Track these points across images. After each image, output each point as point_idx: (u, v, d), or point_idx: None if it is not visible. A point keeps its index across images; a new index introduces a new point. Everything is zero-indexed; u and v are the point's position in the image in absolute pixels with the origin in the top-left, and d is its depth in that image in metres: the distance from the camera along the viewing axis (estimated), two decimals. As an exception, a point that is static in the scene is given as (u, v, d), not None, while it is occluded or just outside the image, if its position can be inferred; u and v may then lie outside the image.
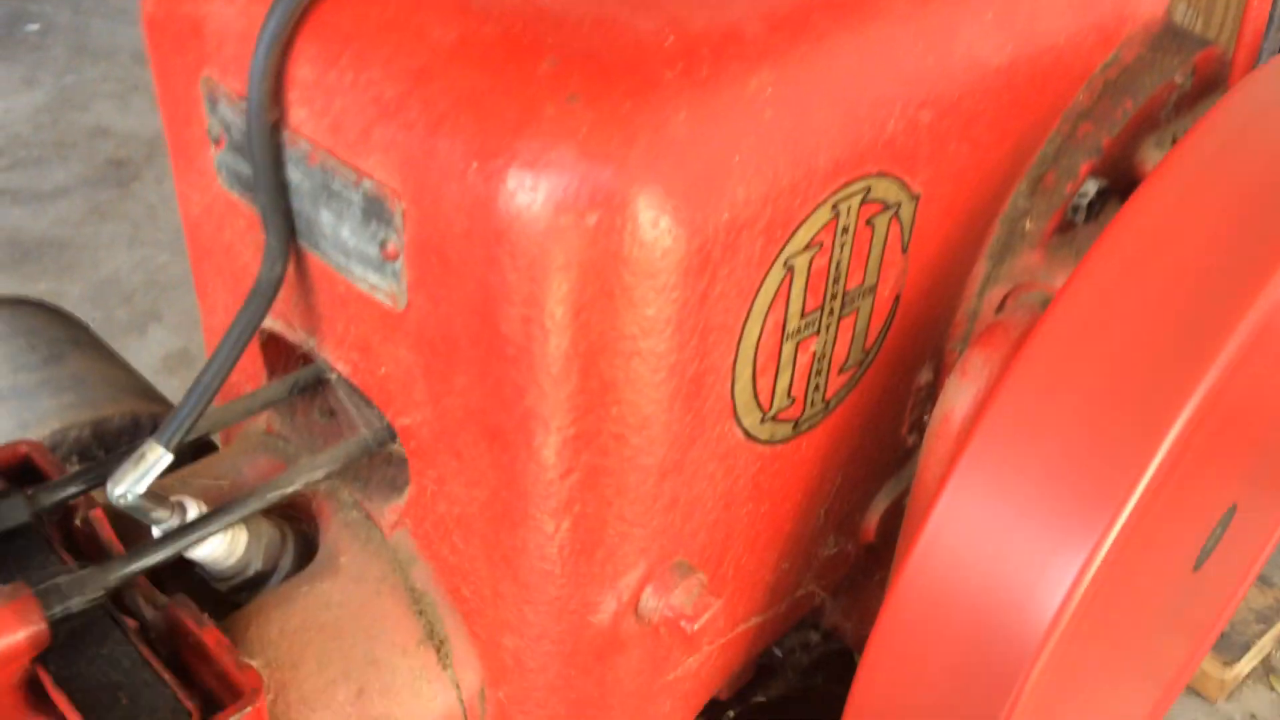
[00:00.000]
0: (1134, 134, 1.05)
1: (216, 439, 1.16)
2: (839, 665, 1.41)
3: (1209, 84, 1.12)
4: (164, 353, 2.46)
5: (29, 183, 2.94)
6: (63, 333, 1.30)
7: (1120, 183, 1.06)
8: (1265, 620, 1.98)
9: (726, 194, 0.72)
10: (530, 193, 0.68)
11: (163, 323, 2.55)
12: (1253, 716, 1.94)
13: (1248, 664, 1.96)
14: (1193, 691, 1.95)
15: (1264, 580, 2.04)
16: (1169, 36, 1.09)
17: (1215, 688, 1.94)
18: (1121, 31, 1.05)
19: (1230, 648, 1.94)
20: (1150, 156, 1.07)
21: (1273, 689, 1.98)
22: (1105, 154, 1.02)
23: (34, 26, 3.61)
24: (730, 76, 0.73)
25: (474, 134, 0.70)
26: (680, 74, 0.72)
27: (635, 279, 0.71)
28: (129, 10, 3.61)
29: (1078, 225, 1.04)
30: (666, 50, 0.72)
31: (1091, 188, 1.01)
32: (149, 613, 0.80)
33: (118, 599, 0.79)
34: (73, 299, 2.51)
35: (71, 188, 2.93)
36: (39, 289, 2.52)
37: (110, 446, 1.14)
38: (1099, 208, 1.03)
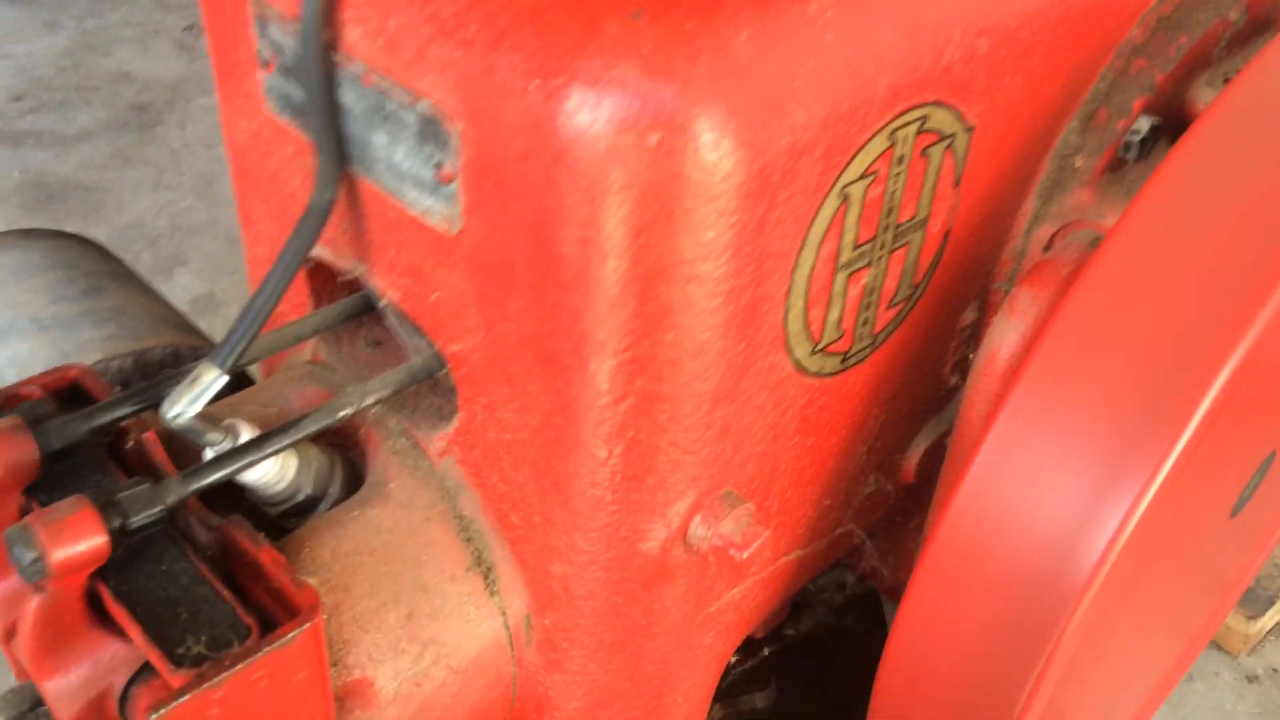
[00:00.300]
0: (1187, 71, 1.03)
1: (255, 371, 1.17)
2: (870, 605, 1.42)
3: (1262, 22, 1.10)
4: (190, 297, 2.46)
5: (52, 126, 2.93)
6: (101, 266, 1.30)
7: (1171, 121, 1.04)
8: (1290, 575, 1.98)
9: (787, 117, 0.72)
10: (592, 112, 0.67)
11: (188, 267, 2.55)
12: (1275, 671, 1.94)
13: (1271, 619, 1.96)
14: (1216, 645, 1.96)
15: (1288, 536, 2.04)
16: (1223, -28, 1.07)
17: (1239, 642, 1.94)
18: (1177, -34, 1.03)
19: (1255, 602, 1.94)
20: (1202, 95, 1.06)
21: (1296, 643, 1.99)
22: (1159, 90, 1.00)
23: (55, -30, 3.59)
24: (792, -3, 0.73)
25: (534, 51, 0.69)
26: (743, -8, 0.71)
27: (695, 202, 0.70)
28: (150, -46, 3.58)
29: (1128, 163, 1.03)
30: (729, -32, 0.71)
31: (1144, 125, 1.00)
32: (202, 534, 0.81)
33: (170, 522, 0.80)
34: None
35: (94, 131, 2.93)
36: (65, 232, 2.51)
37: (151, 378, 1.15)
38: (1151, 145, 1.02)
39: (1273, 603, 1.95)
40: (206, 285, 2.51)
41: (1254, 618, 1.92)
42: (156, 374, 1.17)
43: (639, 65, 0.67)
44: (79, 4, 3.46)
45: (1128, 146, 1.01)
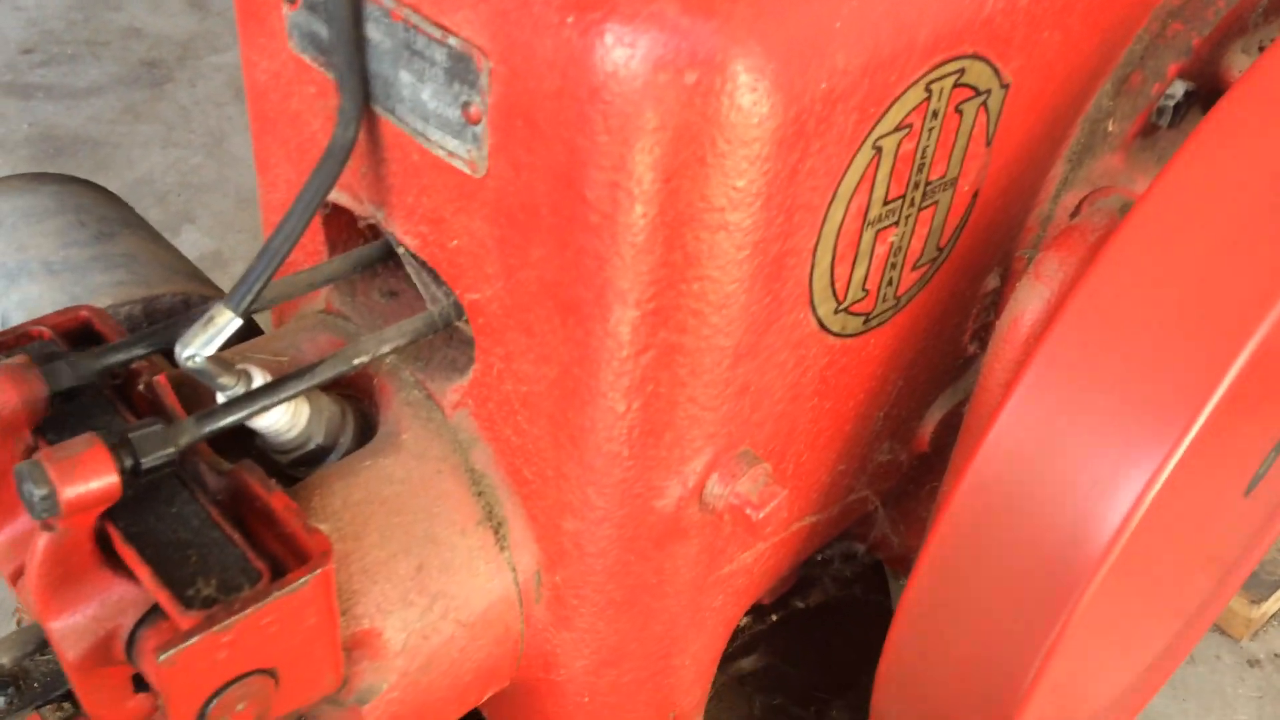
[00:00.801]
0: (1223, 37, 1.01)
1: (266, 324, 1.15)
2: (875, 576, 1.41)
3: (1300, -8, 1.08)
4: (197, 254, 2.44)
5: (62, 80, 2.90)
6: (112, 212, 1.29)
7: (1205, 88, 1.03)
8: (1295, 560, 1.97)
9: (826, 61, 0.70)
10: (628, 48, 0.66)
11: (196, 224, 2.53)
12: (1277, 656, 1.94)
13: (1275, 604, 1.95)
14: (1218, 629, 1.95)
15: (1294, 522, 2.03)
16: (1263, -62, 1.05)
17: (1242, 626, 1.94)
18: (1217, -70, 1.01)
19: (1259, 586, 1.93)
20: (1237, 63, 1.04)
21: (1300, 629, 1.98)
22: (1194, 55, 0.99)
23: (65, -77, 3.55)
24: (834, -62, 0.71)
25: (570, -14, 0.67)
26: (784, -68, 0.69)
27: (729, 146, 0.69)
28: (161, -91, 3.53)
29: (1161, 129, 1.01)
30: (770, -95, 0.69)
31: (1179, 89, 0.98)
32: (212, 479, 0.79)
33: (181, 465, 0.78)
34: (106, 197, 2.49)
35: (105, 86, 2.90)
36: (72, 186, 2.49)
37: (161, 325, 1.13)
38: (1184, 111, 1.00)
39: (1277, 588, 1.94)
40: (214, 243, 2.49)
41: (1257, 602, 1.92)
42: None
43: (678, 1, 0.65)
44: (89, -42, 3.42)
45: (1161, 112, 0.99)
